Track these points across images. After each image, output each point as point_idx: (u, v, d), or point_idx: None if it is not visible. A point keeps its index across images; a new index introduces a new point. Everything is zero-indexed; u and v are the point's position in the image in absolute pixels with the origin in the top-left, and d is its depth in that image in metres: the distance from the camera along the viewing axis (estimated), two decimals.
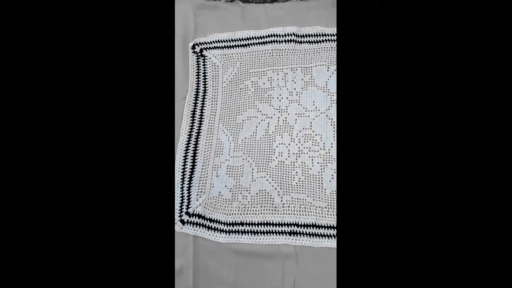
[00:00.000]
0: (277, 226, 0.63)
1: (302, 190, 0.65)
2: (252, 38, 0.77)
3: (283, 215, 0.63)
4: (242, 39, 0.77)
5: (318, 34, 0.76)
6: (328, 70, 0.73)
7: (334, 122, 0.69)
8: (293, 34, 0.76)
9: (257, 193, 0.65)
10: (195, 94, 0.74)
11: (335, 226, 0.63)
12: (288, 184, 0.65)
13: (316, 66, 0.74)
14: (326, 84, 0.72)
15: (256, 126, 0.70)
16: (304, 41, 0.76)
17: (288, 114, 0.71)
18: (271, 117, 0.71)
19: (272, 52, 0.75)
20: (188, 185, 0.67)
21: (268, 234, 0.62)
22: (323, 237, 0.62)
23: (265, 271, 0.61)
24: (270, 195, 0.65)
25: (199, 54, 0.77)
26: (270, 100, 0.72)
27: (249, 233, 0.63)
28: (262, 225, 0.63)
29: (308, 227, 0.63)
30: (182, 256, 0.62)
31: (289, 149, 0.68)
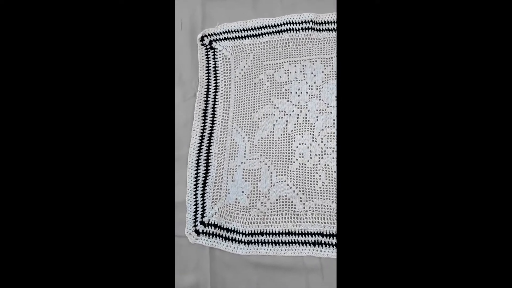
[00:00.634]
0: (300, 235, 0.59)
1: (327, 196, 0.61)
2: (266, 27, 0.72)
3: (306, 224, 0.60)
4: (255, 28, 0.72)
5: None
6: None
7: None
8: (311, 21, 0.70)
9: (277, 199, 0.61)
10: (205, 91, 0.70)
11: None
12: (311, 189, 0.61)
13: None
14: None
15: (274, 125, 0.66)
16: (323, 29, 0.71)
17: (309, 110, 0.66)
18: (290, 114, 0.66)
19: (289, 42, 0.71)
20: (202, 192, 0.63)
21: (290, 244, 0.59)
22: None
23: (287, 286, 0.57)
24: (291, 202, 0.61)
25: (209, 46, 0.72)
26: (288, 95, 0.67)
27: (270, 244, 0.59)
28: (284, 235, 0.59)
29: (334, 237, 0.59)
30: (197, 270, 0.59)
31: (310, 149, 0.64)
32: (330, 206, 0.60)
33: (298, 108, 0.66)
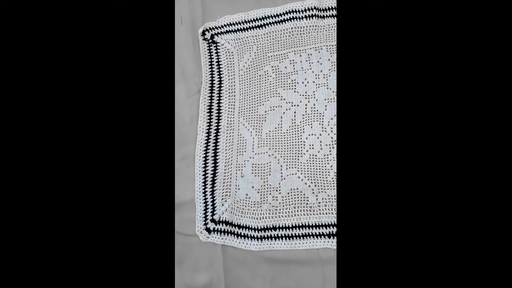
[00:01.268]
0: (314, 228, 0.58)
1: None
2: (268, 17, 0.70)
3: (320, 216, 0.59)
4: (257, 19, 0.71)
5: None
6: None
7: None
8: (314, 8, 0.69)
9: (288, 193, 0.60)
10: (210, 87, 0.68)
11: None
12: (323, 180, 0.60)
13: None
14: None
15: (281, 117, 0.65)
16: (327, 16, 0.69)
17: (317, 100, 0.65)
18: (298, 105, 0.65)
19: (292, 31, 0.69)
20: (211, 189, 0.62)
21: (305, 237, 0.58)
22: None
23: (304, 280, 0.57)
24: (304, 194, 0.60)
25: (210, 41, 0.71)
26: (295, 85, 0.66)
27: (283, 238, 0.58)
28: (297, 228, 0.58)
29: None
30: (210, 269, 0.58)
31: (320, 140, 0.62)
32: None
33: (306, 98, 0.65)
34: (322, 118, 0.63)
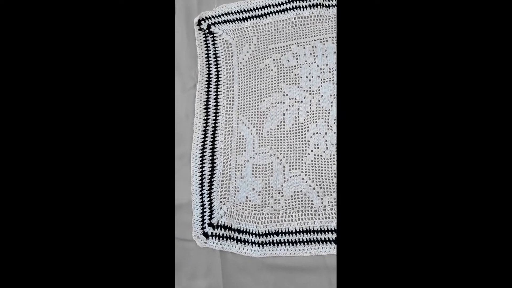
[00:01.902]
0: (319, 233, 0.57)
1: None
2: (270, 6, 0.68)
3: (325, 220, 0.57)
4: (258, 8, 0.69)
5: None
6: None
7: None
8: None
9: (291, 196, 0.59)
10: (206, 81, 0.66)
11: None
12: (329, 182, 0.59)
13: None
14: None
15: (284, 114, 0.63)
16: (333, 5, 0.68)
17: (322, 96, 0.63)
18: (301, 101, 0.63)
19: (295, 22, 0.67)
20: (208, 191, 0.60)
21: (309, 243, 0.57)
22: None
23: None
24: (308, 197, 0.58)
25: (207, 31, 0.69)
26: (298, 80, 0.64)
27: (286, 244, 0.57)
28: (301, 233, 0.57)
29: None
30: (209, 275, 0.57)
31: (326, 139, 0.61)
32: None
33: (310, 94, 0.63)
34: (328, 116, 0.61)
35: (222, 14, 0.68)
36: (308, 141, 0.60)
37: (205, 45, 0.68)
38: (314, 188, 0.58)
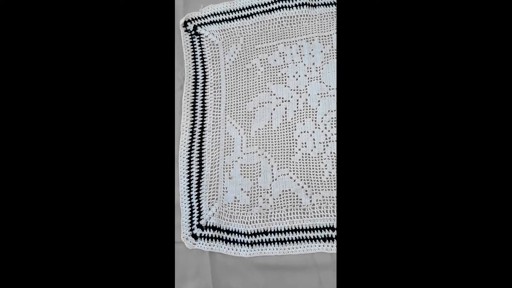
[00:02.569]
0: (308, 231, 0.57)
1: (335, 186, 0.58)
2: (256, 6, 0.68)
3: (314, 218, 0.57)
4: (244, 8, 0.69)
5: None
6: None
7: None
8: None
9: (280, 195, 0.58)
10: (193, 82, 0.66)
11: None
12: (317, 181, 0.59)
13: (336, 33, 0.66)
14: None
15: (271, 114, 0.63)
16: (319, 4, 0.68)
17: (309, 95, 0.63)
18: (289, 101, 0.63)
19: (282, 21, 0.67)
20: (197, 192, 0.60)
21: (299, 242, 0.56)
22: None
23: (299, 287, 0.55)
24: (297, 196, 0.58)
25: (193, 32, 0.68)
26: (285, 79, 0.64)
27: (276, 243, 0.56)
28: (290, 232, 0.57)
29: None
30: (198, 277, 0.56)
31: (314, 137, 0.61)
32: None
33: (297, 93, 0.63)
34: (315, 114, 0.61)
35: (208, 15, 0.68)
36: (296, 140, 0.60)
37: (192, 47, 0.67)
38: (302, 187, 0.58)
